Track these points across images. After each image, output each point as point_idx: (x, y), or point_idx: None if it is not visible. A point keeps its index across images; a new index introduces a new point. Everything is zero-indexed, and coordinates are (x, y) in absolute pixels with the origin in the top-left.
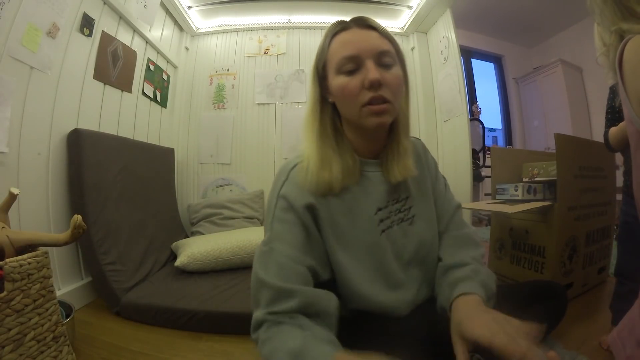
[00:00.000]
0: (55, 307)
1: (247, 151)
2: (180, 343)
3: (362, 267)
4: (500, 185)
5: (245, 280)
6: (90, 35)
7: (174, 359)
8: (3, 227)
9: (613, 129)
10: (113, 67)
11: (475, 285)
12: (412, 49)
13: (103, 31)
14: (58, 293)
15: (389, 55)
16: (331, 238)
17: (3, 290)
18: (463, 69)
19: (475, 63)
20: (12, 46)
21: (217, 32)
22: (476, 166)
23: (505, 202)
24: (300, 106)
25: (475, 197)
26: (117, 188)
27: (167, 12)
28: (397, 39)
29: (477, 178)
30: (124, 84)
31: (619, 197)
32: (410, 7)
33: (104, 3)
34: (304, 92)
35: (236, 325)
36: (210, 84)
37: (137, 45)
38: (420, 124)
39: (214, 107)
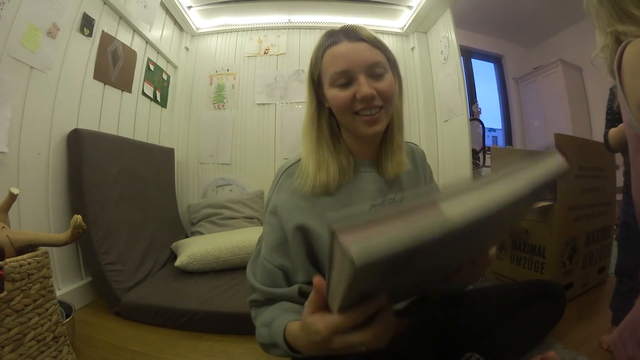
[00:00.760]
0: (55, 307)
1: (247, 151)
2: (180, 343)
3: None
4: None
5: (245, 281)
6: (90, 35)
7: (174, 359)
8: (3, 227)
9: (613, 130)
10: (113, 67)
11: None
12: (412, 49)
13: (103, 31)
14: (58, 293)
15: (379, 65)
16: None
17: (3, 290)
18: (463, 69)
19: (475, 63)
20: (12, 46)
21: (217, 32)
22: (476, 166)
23: None
24: (300, 106)
25: None
26: (117, 188)
27: (167, 12)
28: (397, 39)
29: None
30: (124, 84)
31: (619, 197)
32: (410, 7)
33: (104, 3)
34: (304, 92)
35: (236, 325)
36: (210, 84)
37: (137, 45)
38: (420, 124)
39: (214, 107)
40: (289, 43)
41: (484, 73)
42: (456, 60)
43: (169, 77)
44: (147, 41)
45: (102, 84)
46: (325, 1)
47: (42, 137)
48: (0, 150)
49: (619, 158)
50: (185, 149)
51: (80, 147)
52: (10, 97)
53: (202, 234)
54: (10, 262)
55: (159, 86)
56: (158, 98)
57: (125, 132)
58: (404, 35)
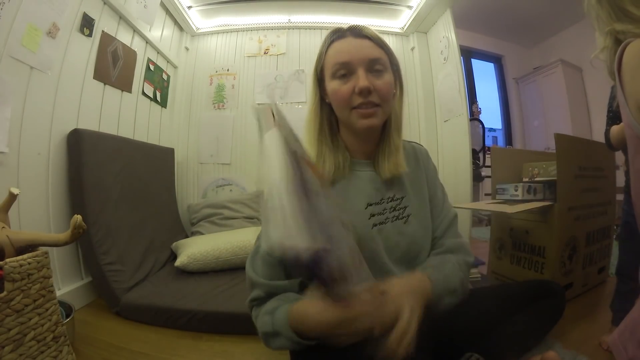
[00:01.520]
0: (55, 307)
1: (247, 151)
2: (180, 343)
3: None
4: (500, 185)
5: (245, 281)
6: (90, 35)
7: (173, 359)
8: (3, 227)
9: (614, 128)
10: (113, 67)
11: (432, 270)
12: (412, 49)
13: (103, 31)
14: (58, 293)
15: (380, 62)
16: None
17: (3, 290)
18: (463, 69)
19: (475, 63)
20: (12, 46)
21: (217, 32)
22: (476, 166)
23: (505, 202)
24: (300, 106)
25: (475, 197)
26: (117, 188)
27: (167, 12)
28: (397, 39)
29: (477, 178)
30: (124, 84)
31: (619, 197)
32: (410, 7)
33: (104, 3)
34: (304, 92)
35: (236, 325)
36: (210, 84)
37: (137, 45)
38: (420, 124)
39: (214, 107)
40: (289, 43)
41: (484, 73)
42: (456, 60)
43: (169, 77)
44: (147, 41)
45: (102, 84)
46: (325, 1)
47: (42, 137)
48: (0, 150)
49: (619, 158)
50: (185, 149)
51: (80, 147)
52: (10, 97)
53: (202, 234)
54: (10, 262)
55: (159, 86)
56: (158, 98)
57: (125, 132)
58: (404, 35)
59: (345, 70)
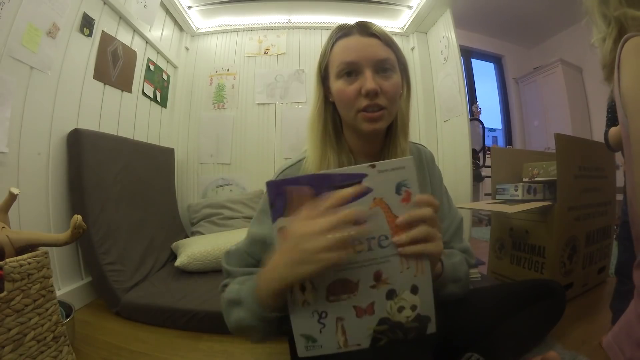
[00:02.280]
0: (55, 307)
1: (247, 151)
2: (180, 343)
3: None
4: (500, 185)
5: None
6: (90, 35)
7: (173, 359)
8: (3, 227)
9: (613, 129)
10: (113, 67)
11: (443, 256)
12: (412, 49)
13: (103, 31)
14: (58, 293)
15: (388, 63)
16: None
17: (3, 290)
18: (463, 69)
19: (475, 63)
20: (12, 46)
21: (217, 32)
22: (476, 166)
23: (505, 202)
24: (300, 106)
25: (475, 197)
26: (117, 188)
27: (167, 12)
28: (397, 39)
29: (477, 178)
30: (124, 84)
31: (619, 197)
32: (410, 7)
33: (104, 3)
34: (304, 92)
35: None
36: (210, 84)
37: (137, 45)
38: (420, 124)
39: (214, 107)
40: (289, 43)
41: (484, 73)
42: (456, 60)
43: (169, 77)
44: (147, 41)
45: (102, 84)
46: (325, 1)
47: (42, 137)
48: (0, 150)
49: (619, 158)
50: (185, 149)
51: (80, 147)
52: (10, 97)
53: (202, 234)
54: (10, 262)
55: (159, 86)
56: (158, 98)
57: (125, 132)
58: (404, 35)
59: (352, 70)
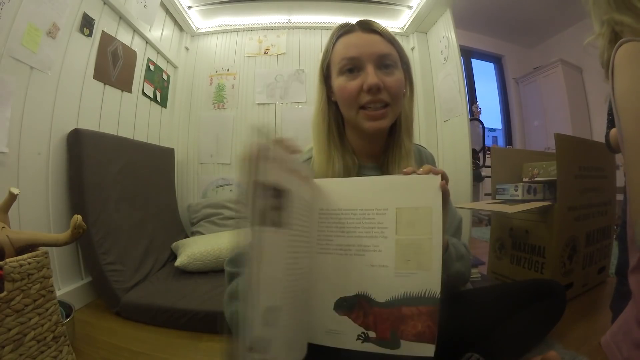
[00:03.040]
0: (55, 307)
1: None
2: (180, 343)
3: None
4: (500, 185)
5: None
6: (90, 35)
7: (173, 359)
8: (3, 227)
9: (614, 130)
10: (113, 67)
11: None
12: (412, 49)
13: (103, 31)
14: (58, 293)
15: (390, 58)
16: None
17: (3, 290)
18: (463, 69)
19: (475, 63)
20: (12, 46)
21: (217, 32)
22: (476, 166)
23: (505, 202)
24: (300, 106)
25: (475, 197)
26: (117, 188)
27: (167, 12)
28: (397, 39)
29: (477, 178)
30: (124, 84)
31: (619, 197)
32: (410, 7)
33: (104, 3)
34: (304, 92)
35: None
36: (210, 84)
37: (137, 45)
38: (420, 124)
39: (214, 107)
40: (289, 43)
41: (484, 73)
42: (456, 60)
43: (169, 77)
44: (147, 41)
45: (102, 84)
46: (325, 1)
47: (42, 137)
48: (0, 150)
49: (619, 158)
50: (185, 149)
51: (81, 147)
52: (10, 97)
53: (202, 234)
54: (10, 262)
55: (159, 86)
56: (158, 98)
57: (125, 132)
58: (404, 35)
59: (353, 66)
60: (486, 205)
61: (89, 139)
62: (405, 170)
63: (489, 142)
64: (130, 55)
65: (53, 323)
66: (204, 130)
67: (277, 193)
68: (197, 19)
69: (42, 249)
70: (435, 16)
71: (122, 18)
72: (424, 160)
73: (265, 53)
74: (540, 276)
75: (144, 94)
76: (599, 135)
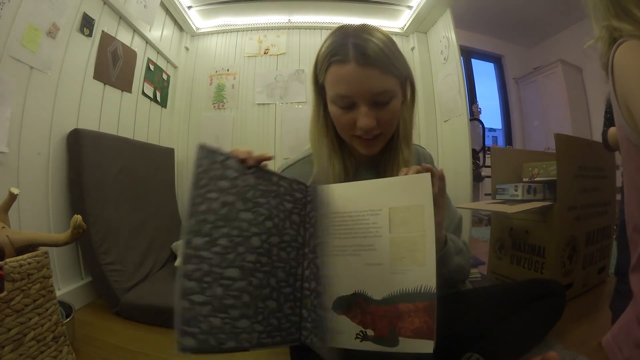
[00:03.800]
0: (55, 307)
1: None
2: None
3: None
4: (500, 185)
5: None
6: (90, 35)
7: (173, 359)
8: (3, 227)
9: (612, 129)
10: (113, 67)
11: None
12: (412, 49)
13: (103, 31)
14: (58, 293)
15: (386, 94)
16: None
17: (3, 290)
18: (463, 69)
19: (475, 63)
20: (12, 46)
21: (217, 32)
22: (476, 166)
23: (505, 202)
24: (300, 106)
25: (475, 197)
26: (117, 188)
27: (167, 12)
28: (397, 39)
29: (477, 178)
30: (124, 84)
31: (619, 197)
32: (410, 7)
33: (104, 3)
34: (304, 92)
35: None
36: (210, 84)
37: (137, 45)
38: (420, 124)
39: (214, 107)
40: (289, 43)
41: (484, 73)
42: (456, 60)
43: (169, 77)
44: (147, 41)
45: (102, 84)
46: (325, 1)
47: (42, 137)
48: (0, 150)
49: (619, 158)
50: (185, 149)
51: (80, 147)
52: (10, 97)
53: None
54: (10, 262)
55: (159, 86)
56: (158, 98)
57: (125, 132)
58: (404, 35)
59: (347, 103)
60: (486, 205)
61: (89, 139)
62: (401, 171)
63: (489, 142)
64: (130, 55)
65: (53, 323)
66: (204, 130)
67: None
68: (197, 19)
69: (42, 249)
70: (435, 16)
71: (122, 18)
72: (422, 160)
73: (265, 53)
74: (540, 276)
75: (144, 94)
76: (599, 135)
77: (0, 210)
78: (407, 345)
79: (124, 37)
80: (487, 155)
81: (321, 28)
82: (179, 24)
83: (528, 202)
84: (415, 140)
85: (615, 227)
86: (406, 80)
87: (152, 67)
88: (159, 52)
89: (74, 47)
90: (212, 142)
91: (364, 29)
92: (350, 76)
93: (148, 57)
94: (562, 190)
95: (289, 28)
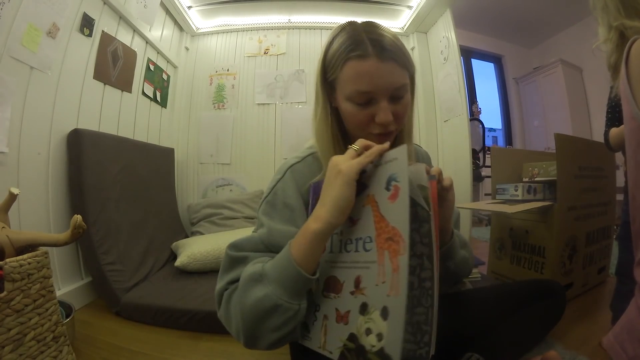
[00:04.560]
0: (55, 307)
1: (247, 151)
2: (180, 343)
3: None
4: (500, 185)
5: None
6: (90, 35)
7: (173, 359)
8: (3, 227)
9: (614, 130)
10: (113, 67)
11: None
12: (412, 49)
13: (103, 31)
14: (58, 293)
15: (403, 88)
16: None
17: (3, 290)
18: (463, 69)
19: (475, 63)
20: (12, 46)
21: (217, 32)
22: (476, 166)
23: (505, 202)
24: (300, 106)
25: (475, 197)
26: (117, 188)
27: (167, 12)
28: (406, 50)
29: (477, 178)
30: (124, 84)
31: (619, 197)
32: (410, 7)
33: (104, 3)
34: (304, 92)
35: None
36: (210, 84)
37: (137, 45)
38: (420, 124)
39: (214, 107)
40: (289, 43)
41: (484, 73)
42: (456, 60)
43: (169, 77)
44: (147, 41)
45: (102, 84)
46: (325, 1)
47: (42, 137)
48: (0, 150)
49: (619, 158)
50: (185, 149)
51: (80, 147)
52: (10, 97)
53: (202, 234)
54: (10, 262)
55: (159, 86)
56: (158, 98)
57: (125, 132)
58: (404, 35)
59: (366, 99)
60: (486, 205)
61: (89, 139)
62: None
63: (489, 142)
64: (130, 55)
65: (53, 323)
66: (204, 130)
67: None
68: (197, 19)
69: (42, 249)
70: (435, 16)
71: (122, 18)
72: (419, 159)
73: (265, 53)
74: (540, 276)
75: (144, 94)
76: (598, 135)
77: (1, 210)
78: None
79: (124, 37)
80: (487, 155)
81: (321, 28)
82: (179, 24)
83: (528, 202)
84: (415, 140)
85: (615, 227)
86: (413, 75)
87: (152, 67)
88: (159, 52)
89: (74, 47)
90: (212, 142)
91: (373, 24)
92: (372, 71)
93: (148, 57)
94: (562, 190)
95: (289, 28)
